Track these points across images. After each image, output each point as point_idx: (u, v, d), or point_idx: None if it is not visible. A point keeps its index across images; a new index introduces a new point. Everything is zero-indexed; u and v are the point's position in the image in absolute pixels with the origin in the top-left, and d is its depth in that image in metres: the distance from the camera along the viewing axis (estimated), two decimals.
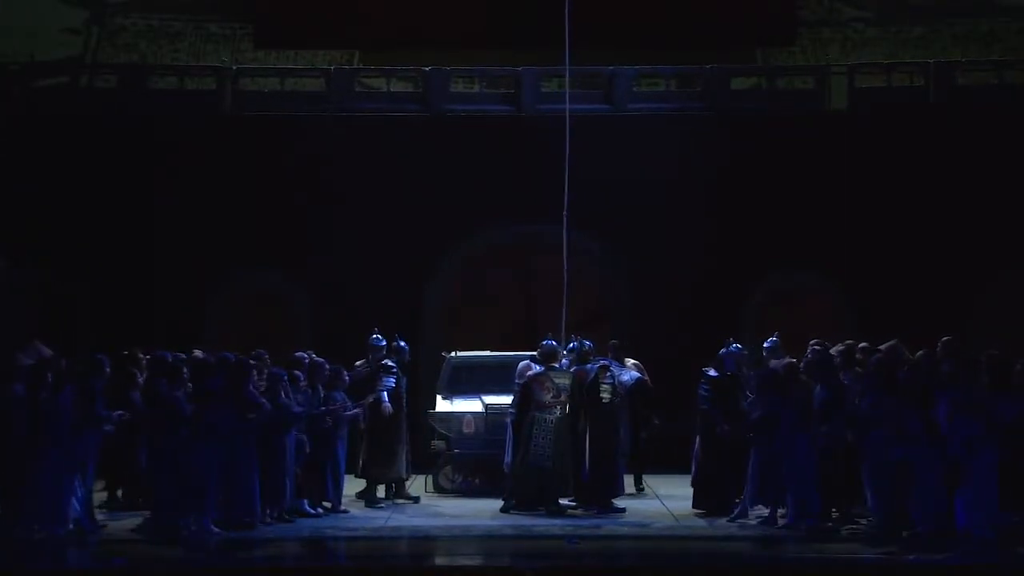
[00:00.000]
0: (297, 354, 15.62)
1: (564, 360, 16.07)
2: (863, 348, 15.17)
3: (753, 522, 14.47)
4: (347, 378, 15.79)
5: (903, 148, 20.53)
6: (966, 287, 20.21)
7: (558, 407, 15.55)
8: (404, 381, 16.47)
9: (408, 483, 16.61)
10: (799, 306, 20.20)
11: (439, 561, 13.00)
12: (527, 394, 15.71)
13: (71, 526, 13.56)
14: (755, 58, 22.70)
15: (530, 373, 15.76)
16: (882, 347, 15.09)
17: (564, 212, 16.97)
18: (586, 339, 16.16)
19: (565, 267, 16.92)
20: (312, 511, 14.93)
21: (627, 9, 21.24)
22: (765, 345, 15.92)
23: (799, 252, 20.43)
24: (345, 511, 15.41)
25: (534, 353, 16.22)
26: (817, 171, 20.48)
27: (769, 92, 21.44)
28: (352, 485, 16.35)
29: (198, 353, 15.34)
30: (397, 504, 16.11)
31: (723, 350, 15.60)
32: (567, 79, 18.25)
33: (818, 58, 22.42)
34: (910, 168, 20.46)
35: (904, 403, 13.55)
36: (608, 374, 15.65)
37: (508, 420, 16.06)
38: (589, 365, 15.73)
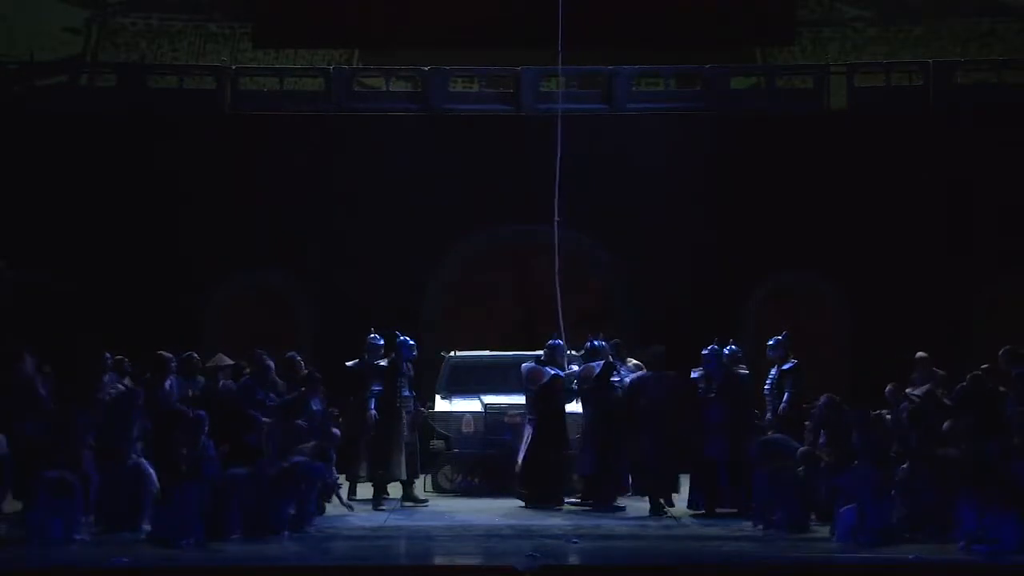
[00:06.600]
0: (288, 354, 15.55)
1: (573, 366, 16.01)
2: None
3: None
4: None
5: (903, 148, 20.55)
6: (965, 288, 20.24)
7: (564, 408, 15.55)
8: (404, 381, 16.04)
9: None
10: (798, 306, 20.20)
11: (439, 560, 12.98)
12: (548, 396, 15.69)
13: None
14: (755, 58, 22.75)
15: (543, 381, 15.72)
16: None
17: (555, 217, 16.88)
18: (598, 339, 16.06)
19: (556, 268, 16.82)
20: None
21: (627, 8, 21.25)
22: (770, 343, 15.68)
23: (798, 252, 20.45)
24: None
25: (538, 353, 16.17)
26: (817, 171, 20.49)
27: (769, 92, 21.46)
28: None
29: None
30: (406, 506, 16.01)
31: (706, 350, 15.51)
32: (560, 79, 18.28)
33: (818, 58, 22.46)
34: (910, 168, 20.48)
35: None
36: (614, 371, 15.65)
37: (527, 421, 15.96)
38: (595, 363, 15.70)
